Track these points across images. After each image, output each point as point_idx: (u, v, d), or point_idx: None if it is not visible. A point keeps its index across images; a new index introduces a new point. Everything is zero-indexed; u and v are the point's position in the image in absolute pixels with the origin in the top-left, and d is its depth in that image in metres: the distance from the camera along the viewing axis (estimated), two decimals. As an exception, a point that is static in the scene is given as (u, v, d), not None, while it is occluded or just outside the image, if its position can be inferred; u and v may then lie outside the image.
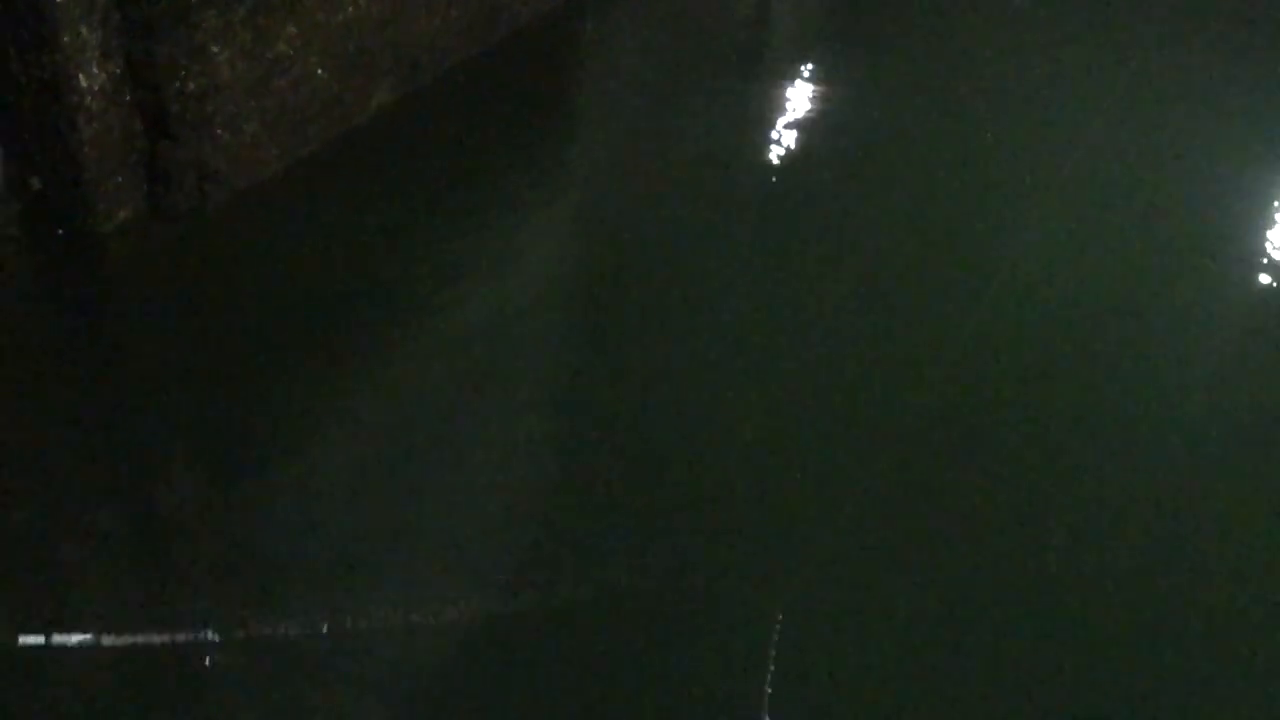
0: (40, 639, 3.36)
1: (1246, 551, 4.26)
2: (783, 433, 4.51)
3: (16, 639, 3.34)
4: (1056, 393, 5.02)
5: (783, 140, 7.14)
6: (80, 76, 4.43)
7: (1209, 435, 4.83)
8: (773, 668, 3.59)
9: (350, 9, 5.76)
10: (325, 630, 3.50)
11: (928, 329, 5.44)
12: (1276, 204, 7.15)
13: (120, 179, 4.78)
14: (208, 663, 3.42)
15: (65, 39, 4.31)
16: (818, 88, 8.25)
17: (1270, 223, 6.86)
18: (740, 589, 3.87)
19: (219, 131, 5.10)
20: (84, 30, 4.37)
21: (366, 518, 3.89)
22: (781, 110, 7.65)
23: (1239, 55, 11.90)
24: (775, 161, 6.80)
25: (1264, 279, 6.09)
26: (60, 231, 4.86)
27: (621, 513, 4.04)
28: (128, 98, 4.68)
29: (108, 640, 3.40)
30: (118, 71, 4.59)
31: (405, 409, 4.36)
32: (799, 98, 7.96)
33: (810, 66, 8.83)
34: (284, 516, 3.90)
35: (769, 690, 3.52)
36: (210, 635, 3.43)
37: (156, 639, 3.41)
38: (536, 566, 3.84)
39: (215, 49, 4.90)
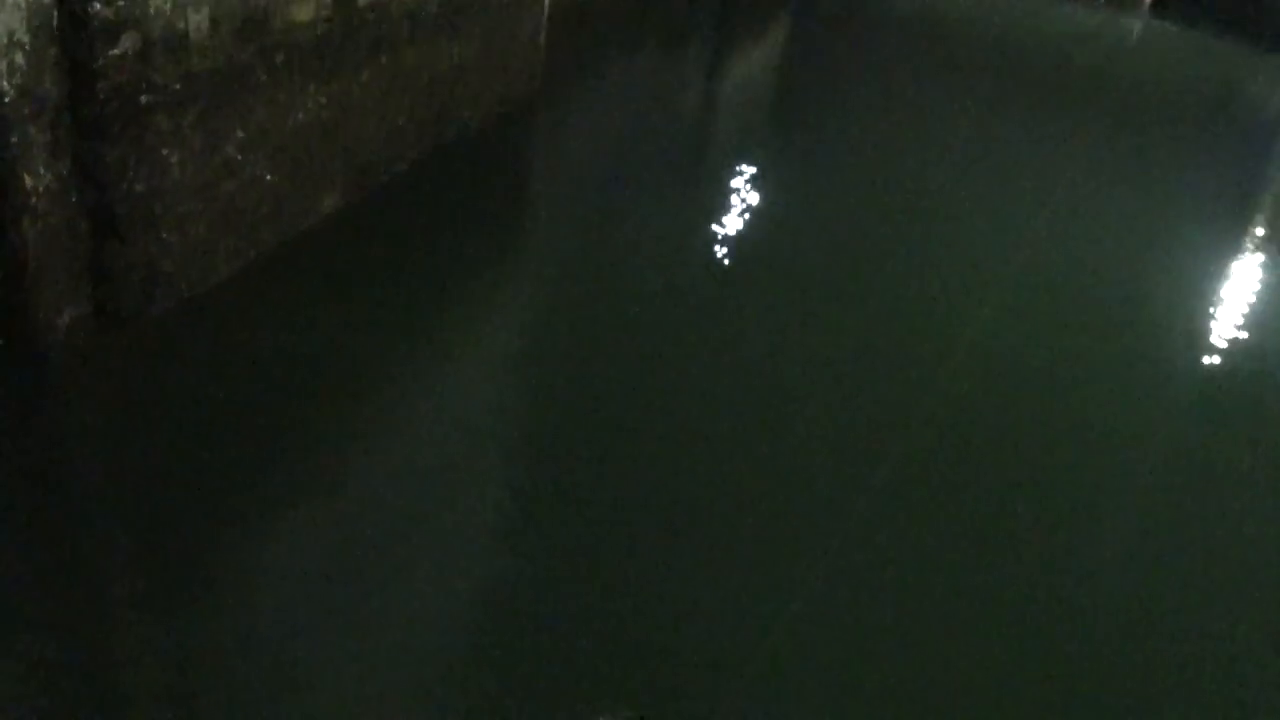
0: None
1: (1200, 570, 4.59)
2: (736, 527, 4.45)
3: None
4: (1010, 459, 5.24)
5: (730, 233, 7.27)
6: (26, 176, 4.36)
7: (1142, 477, 5.31)
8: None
9: (300, 114, 5.80)
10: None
11: (881, 407, 5.52)
12: (1209, 279, 7.98)
13: (65, 280, 4.67)
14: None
15: (13, 138, 4.25)
16: (762, 180, 8.46)
17: (1202, 297, 7.64)
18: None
19: (167, 234, 5.03)
20: (32, 130, 4.32)
21: (311, 638, 3.67)
22: (727, 203, 7.81)
23: (1177, 148, 12.62)
24: (724, 255, 6.90)
25: (1195, 343, 6.76)
26: (0, 334, 4.70)
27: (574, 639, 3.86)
28: (74, 198, 4.61)
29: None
30: (65, 172, 4.52)
31: (353, 518, 4.19)
32: (744, 191, 8.15)
33: (754, 159, 9.09)
34: (227, 633, 3.67)
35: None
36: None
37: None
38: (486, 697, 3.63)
39: (165, 151, 4.87)
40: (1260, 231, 10.37)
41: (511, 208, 7.48)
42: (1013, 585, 4.38)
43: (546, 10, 9.07)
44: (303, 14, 5.58)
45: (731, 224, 7.41)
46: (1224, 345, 6.96)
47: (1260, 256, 9.30)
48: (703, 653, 3.80)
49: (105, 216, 4.74)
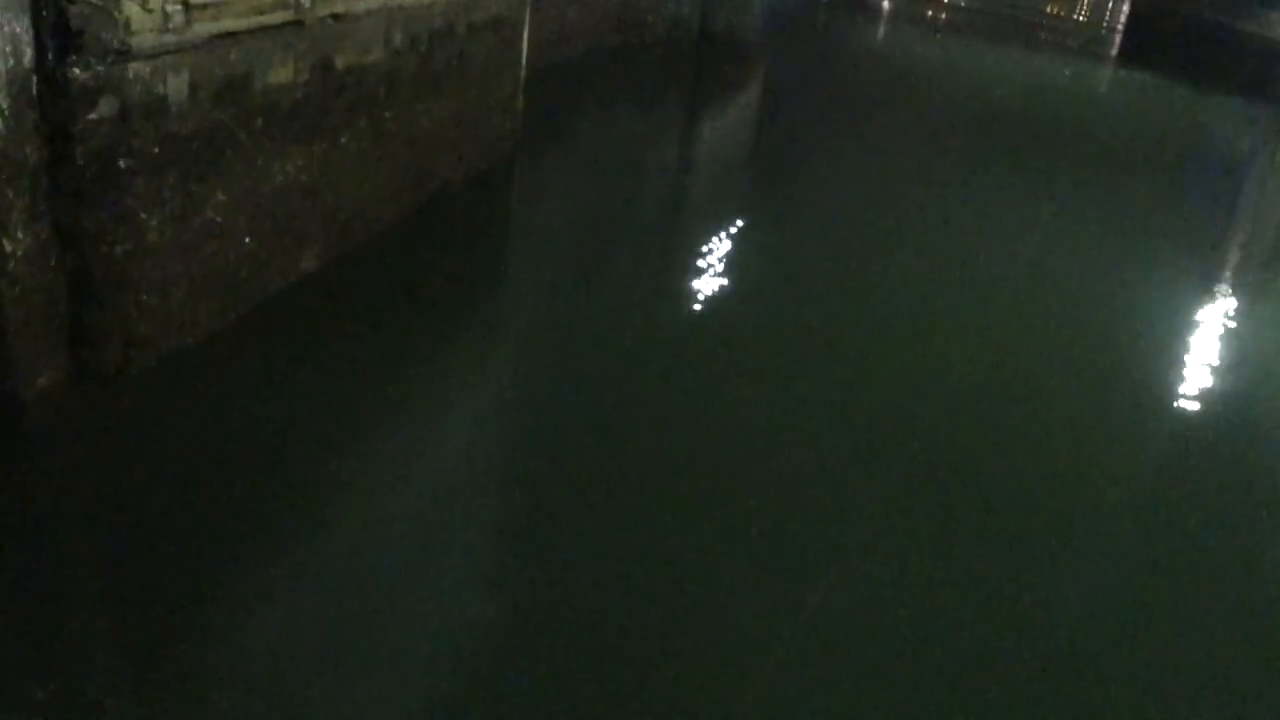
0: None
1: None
2: (716, 581, 4.43)
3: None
4: (987, 506, 5.23)
5: (708, 289, 7.32)
6: (4, 240, 4.36)
7: (1116, 511, 5.39)
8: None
9: (279, 177, 5.84)
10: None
11: (860, 453, 5.54)
12: (1181, 320, 8.17)
13: (43, 342, 4.66)
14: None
15: (-9, 203, 4.26)
16: (739, 235, 8.54)
17: (1176, 337, 7.88)
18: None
19: (146, 296, 5.03)
20: (11, 194, 4.32)
21: (297, 695, 3.62)
22: (704, 259, 7.87)
23: (1147, 191, 12.86)
24: (701, 310, 6.94)
25: (1167, 385, 6.85)
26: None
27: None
28: (53, 262, 4.61)
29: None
30: (44, 235, 4.53)
31: (334, 574, 4.15)
32: (721, 246, 8.22)
33: (730, 214, 9.18)
34: (212, 689, 3.62)
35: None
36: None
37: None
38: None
39: (144, 214, 4.89)
40: (1228, 271, 10.54)
41: (490, 265, 7.52)
42: (990, 636, 4.37)
43: (523, 70, 9.20)
44: (282, 77, 5.64)
45: (709, 280, 7.47)
46: (1194, 384, 7.05)
47: (1228, 294, 9.43)
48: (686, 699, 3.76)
49: (84, 280, 4.74)
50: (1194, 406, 6.81)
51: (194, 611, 3.85)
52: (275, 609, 3.93)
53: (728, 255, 8.03)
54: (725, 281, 7.50)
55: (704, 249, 8.12)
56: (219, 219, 5.41)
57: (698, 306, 6.99)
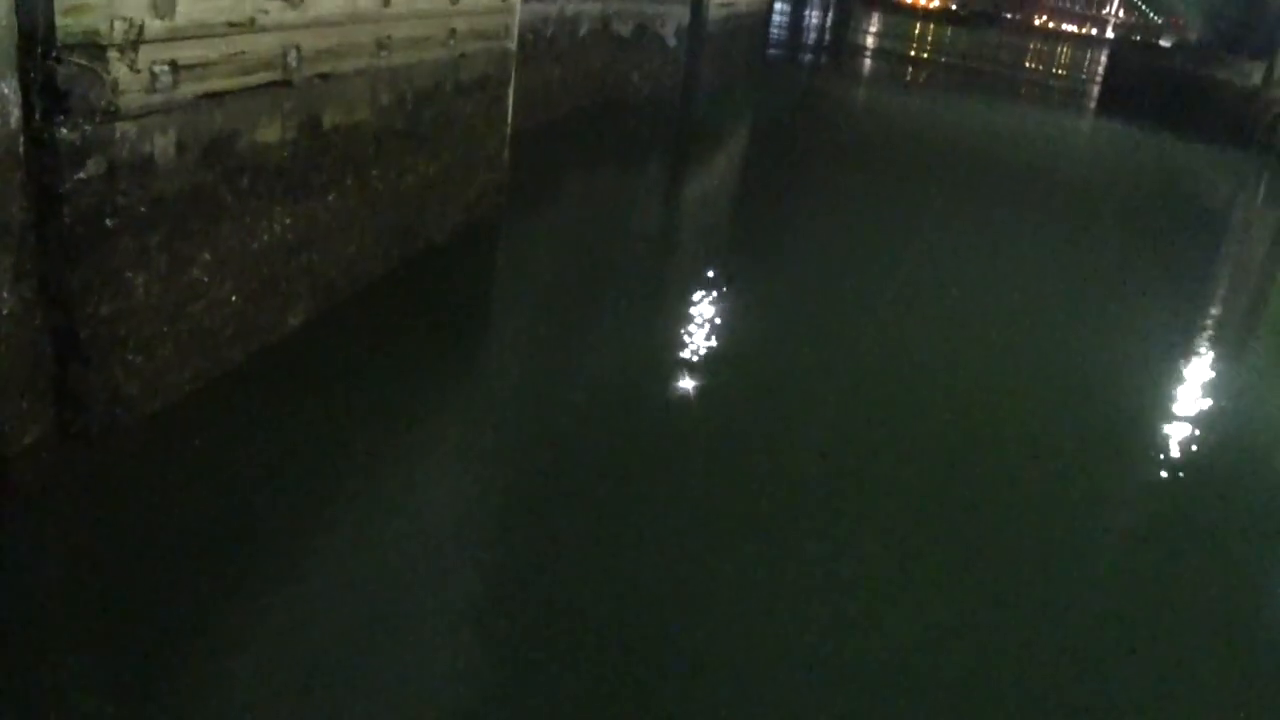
0: None
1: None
2: (704, 635, 4.38)
3: None
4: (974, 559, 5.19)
5: (692, 343, 7.33)
6: (-10, 300, 4.35)
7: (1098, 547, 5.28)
8: None
9: (265, 235, 5.86)
10: None
11: (849, 505, 5.53)
12: (1164, 368, 8.26)
13: (28, 401, 4.62)
14: None
15: (-23, 263, 4.25)
16: (724, 290, 8.58)
17: (1161, 383, 7.99)
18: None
19: (131, 355, 5.01)
20: (-3, 254, 4.32)
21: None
22: (687, 317, 7.90)
23: (1128, 238, 13.02)
24: (685, 369, 6.93)
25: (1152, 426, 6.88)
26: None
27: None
28: (38, 321, 4.59)
29: None
30: (29, 294, 4.52)
31: (321, 631, 4.09)
32: (705, 301, 8.25)
33: (715, 269, 9.23)
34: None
35: None
36: None
37: None
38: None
39: (130, 273, 4.89)
40: (1211, 315, 10.62)
41: (475, 324, 7.54)
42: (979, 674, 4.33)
43: (509, 129, 9.30)
44: (269, 136, 5.68)
45: (693, 337, 7.49)
46: (1179, 427, 7.08)
47: (1212, 337, 9.49)
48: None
49: (69, 339, 4.72)
50: (1178, 449, 6.84)
51: (177, 672, 3.79)
52: (260, 669, 3.87)
53: (712, 312, 8.06)
54: (709, 338, 7.52)
55: (688, 306, 8.16)
56: (205, 278, 5.41)
57: (682, 364, 7.00)
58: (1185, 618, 5.01)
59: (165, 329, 5.18)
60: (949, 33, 56.77)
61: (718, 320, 7.89)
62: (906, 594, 4.83)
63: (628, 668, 4.11)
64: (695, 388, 6.68)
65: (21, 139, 4.27)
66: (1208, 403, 7.80)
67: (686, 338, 7.44)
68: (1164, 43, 33.00)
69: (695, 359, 7.07)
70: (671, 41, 18.02)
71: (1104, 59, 39.91)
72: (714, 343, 7.43)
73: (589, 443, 5.84)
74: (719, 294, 8.52)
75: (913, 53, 42.55)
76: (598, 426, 6.01)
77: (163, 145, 4.88)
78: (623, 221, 10.88)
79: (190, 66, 4.97)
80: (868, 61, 35.96)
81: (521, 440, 5.84)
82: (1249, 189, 20.49)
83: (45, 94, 4.30)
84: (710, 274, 9.09)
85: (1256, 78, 25.09)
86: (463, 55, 8.04)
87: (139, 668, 3.79)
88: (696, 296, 8.37)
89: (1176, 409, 7.61)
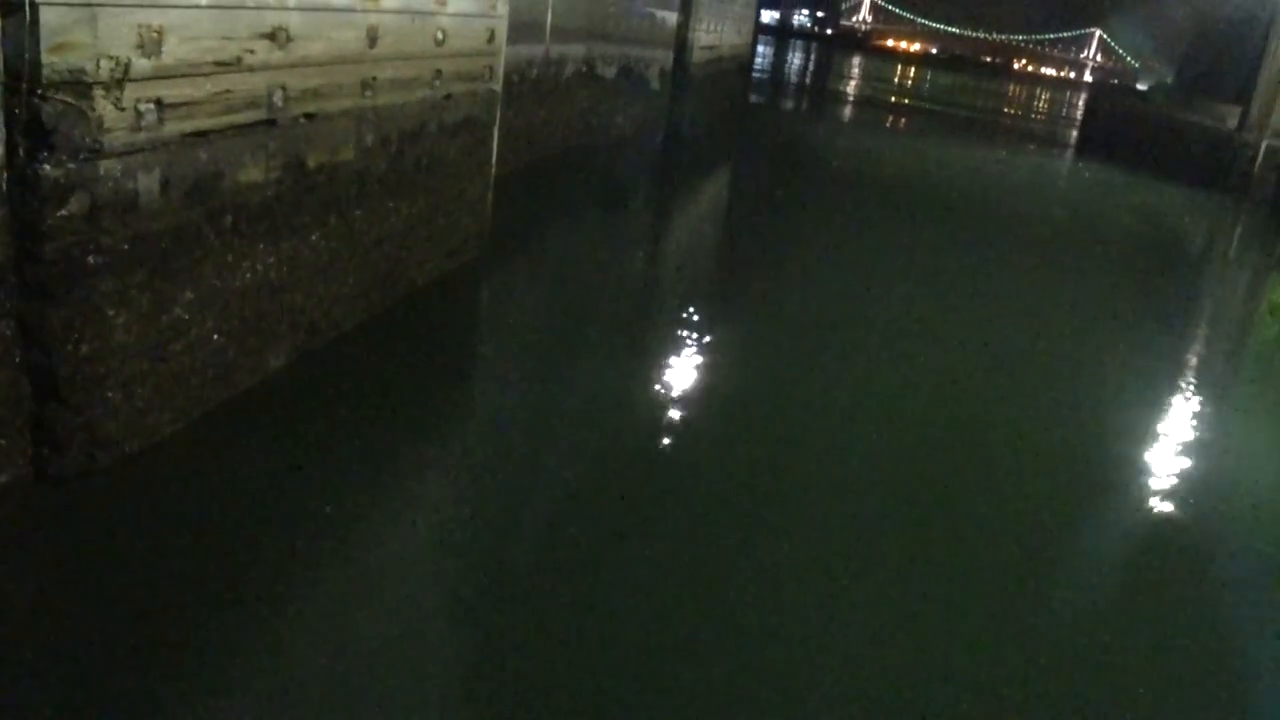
0: None
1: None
2: (691, 677, 4.35)
3: None
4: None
5: (677, 384, 7.32)
6: (-32, 339, 4.31)
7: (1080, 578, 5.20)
8: None
9: (248, 275, 5.83)
10: None
11: (836, 540, 5.50)
12: (1147, 406, 8.29)
13: (4, 441, 4.57)
14: None
15: (-44, 301, 4.22)
16: (708, 331, 8.58)
17: (1144, 421, 8.00)
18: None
19: (111, 395, 4.96)
20: (-24, 293, 4.29)
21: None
22: (671, 358, 7.89)
23: (1110, 278, 13.14)
24: (669, 410, 6.92)
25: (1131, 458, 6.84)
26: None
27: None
28: (17, 359, 4.55)
29: None
30: (9, 332, 4.48)
31: (301, 676, 4.02)
32: (689, 342, 8.25)
33: (699, 310, 9.23)
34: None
35: None
36: None
37: None
38: None
39: (111, 312, 4.85)
40: (1191, 356, 10.68)
41: (459, 366, 7.50)
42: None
43: (493, 170, 9.32)
44: (253, 175, 5.67)
45: (676, 377, 7.48)
46: (1158, 464, 7.10)
47: (1191, 377, 9.54)
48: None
49: (48, 378, 4.68)
50: (1160, 484, 6.87)
51: (158, 706, 3.71)
52: (243, 705, 3.79)
53: (695, 351, 8.06)
54: (692, 378, 7.51)
55: (671, 347, 8.15)
56: (187, 317, 5.38)
57: (666, 405, 6.98)
58: (1167, 656, 4.99)
59: (146, 369, 5.14)
60: (929, 76, 57.45)
61: (701, 360, 7.89)
62: (897, 629, 4.80)
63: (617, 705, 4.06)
64: (678, 426, 6.66)
65: (5, 175, 4.25)
66: (1189, 437, 7.83)
67: (669, 378, 7.44)
68: (1141, 86, 33.49)
69: (678, 398, 7.06)
70: (655, 84, 18.18)
71: (1082, 102, 40.43)
72: (697, 382, 7.42)
73: (574, 485, 5.80)
74: (702, 334, 8.53)
75: (893, 98, 43.04)
76: (582, 469, 5.97)
77: (147, 183, 4.86)
78: (606, 265, 10.90)
79: (176, 105, 4.97)
80: (849, 105, 36.34)
81: (506, 482, 5.80)
82: (1226, 231, 20.72)
83: (30, 131, 4.29)
84: (693, 315, 9.10)
85: (1232, 121, 25.46)
86: (448, 96, 8.07)
87: (113, 707, 3.71)
88: (679, 337, 8.37)
89: (1158, 444, 7.63)
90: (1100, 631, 5.08)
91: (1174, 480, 6.97)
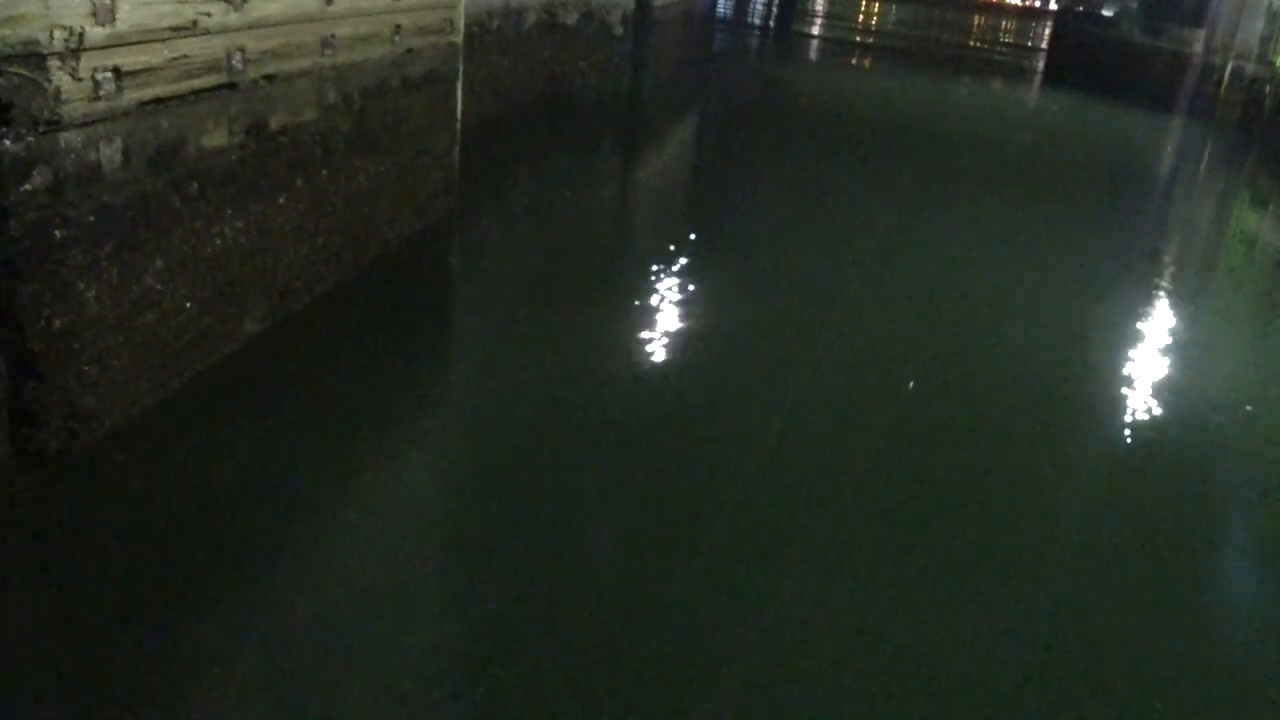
0: None
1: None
2: (675, 651, 4.37)
3: None
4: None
5: (655, 337, 7.33)
6: (-62, 320, 4.27)
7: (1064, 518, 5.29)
8: None
9: (218, 241, 5.79)
10: None
11: (818, 492, 5.56)
12: (1125, 335, 8.26)
13: (-18, 422, 4.55)
14: None
15: (-77, 282, 4.17)
16: (682, 277, 8.58)
17: (1123, 350, 7.99)
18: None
19: (87, 369, 4.94)
20: (-57, 273, 4.24)
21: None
22: (648, 306, 7.90)
23: (1083, 202, 13.21)
24: (649, 355, 6.94)
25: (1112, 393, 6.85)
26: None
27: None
28: (-11, 338, 4.51)
29: None
30: (-21, 312, 4.44)
31: (289, 645, 4.03)
32: (664, 290, 8.25)
33: (672, 257, 9.23)
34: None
35: None
36: None
37: None
38: None
39: (82, 285, 4.81)
40: (1164, 280, 10.77)
41: (434, 322, 7.49)
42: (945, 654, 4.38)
43: (459, 124, 9.23)
44: (216, 140, 5.61)
45: (655, 326, 7.49)
46: (1137, 392, 7.19)
47: (1165, 300, 9.64)
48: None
49: (22, 356, 4.64)
50: (1141, 412, 6.96)
51: (143, 697, 3.73)
52: (228, 691, 3.81)
53: (672, 299, 8.07)
54: (672, 326, 7.53)
55: (647, 295, 8.16)
56: (158, 286, 5.34)
57: (646, 354, 7.01)
58: (1148, 593, 5.06)
59: (120, 341, 5.11)
60: (894, 11, 57.04)
61: (678, 305, 7.91)
62: (875, 578, 4.87)
63: (601, 665, 4.11)
64: (658, 376, 6.69)
65: (-36, 155, 4.19)
66: (1167, 363, 7.93)
67: (647, 327, 7.45)
68: (1106, 13, 33.36)
69: (656, 346, 7.09)
70: (618, 30, 17.97)
71: (1048, 31, 40.28)
72: (675, 331, 7.44)
73: (555, 435, 5.82)
74: (676, 278, 8.53)
75: (859, 31, 42.76)
76: (564, 423, 6.00)
77: (109, 154, 4.81)
78: (577, 214, 10.85)
79: (134, 73, 4.90)
80: (815, 42, 36.05)
81: (488, 438, 5.82)
82: (1194, 154, 20.79)
83: (-15, 107, 4.22)
84: (668, 260, 9.10)
85: (1197, 45, 25.43)
86: (409, 51, 7.97)
87: (102, 692, 3.73)
88: (654, 284, 8.38)
89: (1137, 372, 7.71)
90: (1099, 542, 5.18)
91: (1156, 406, 7.07)
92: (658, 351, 7.03)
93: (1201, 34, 25.22)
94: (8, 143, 4.28)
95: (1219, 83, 23.49)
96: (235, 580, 4.35)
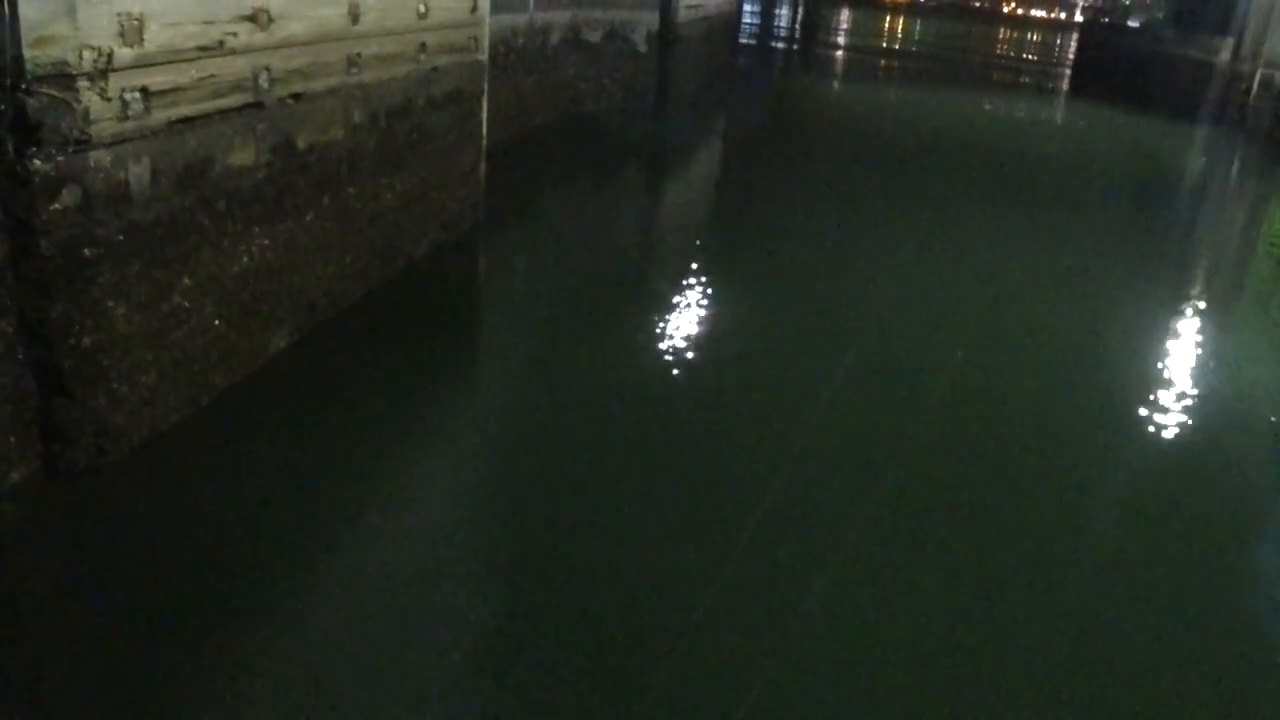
0: None
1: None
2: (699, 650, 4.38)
3: None
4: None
5: (678, 352, 7.31)
6: (-30, 338, 4.32)
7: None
8: None
9: (245, 259, 5.83)
10: None
11: (839, 503, 5.51)
12: (1157, 342, 8.18)
13: (13, 438, 4.59)
14: None
15: (-45, 301, 4.22)
16: (707, 291, 8.57)
17: (1155, 357, 7.88)
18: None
19: (116, 386, 4.98)
20: (-25, 291, 4.29)
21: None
22: (672, 321, 7.88)
23: (1110, 213, 13.05)
24: (672, 375, 6.91)
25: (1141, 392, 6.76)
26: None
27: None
28: (20, 355, 4.56)
29: None
30: (10, 330, 4.49)
31: (317, 659, 4.04)
32: (689, 304, 8.24)
33: (697, 271, 9.22)
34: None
35: None
36: None
37: None
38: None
39: (111, 303, 4.86)
40: (1195, 286, 10.66)
41: (459, 337, 7.51)
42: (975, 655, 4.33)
43: (484, 142, 9.29)
44: (243, 159, 5.66)
45: (678, 341, 7.47)
46: (1171, 398, 7.10)
47: (1197, 308, 9.53)
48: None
49: (53, 373, 4.69)
50: (1172, 420, 6.88)
51: (173, 697, 3.75)
52: (258, 692, 3.83)
53: (695, 314, 8.06)
54: (695, 340, 7.51)
55: (672, 309, 8.15)
56: (187, 304, 5.39)
57: (669, 370, 6.98)
58: (1182, 595, 5.01)
59: (149, 358, 5.15)
60: (919, 25, 56.98)
61: (703, 321, 7.89)
62: (903, 575, 4.83)
63: (619, 663, 4.09)
64: (682, 389, 6.67)
65: (-5, 173, 4.24)
66: (1198, 372, 7.84)
67: (670, 341, 7.43)
68: (1132, 23, 33.18)
69: (680, 361, 7.06)
70: (642, 47, 18.04)
71: (1074, 42, 40.10)
72: (700, 344, 7.42)
73: (584, 454, 5.80)
74: (700, 292, 8.52)
75: (884, 45, 42.72)
76: (590, 436, 5.97)
77: (137, 173, 4.85)
78: (601, 231, 10.87)
79: (161, 92, 4.95)
80: (839, 57, 36.07)
81: (512, 449, 5.82)
82: (1224, 163, 20.60)
83: (17, 126, 4.28)
84: (691, 274, 9.09)
85: (1225, 53, 25.24)
86: (434, 69, 8.03)
87: (131, 702, 3.74)
88: (678, 301, 8.36)
89: (1168, 380, 7.62)
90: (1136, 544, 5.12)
91: (1187, 414, 6.99)
92: (681, 364, 7.01)
93: (1229, 42, 25.02)
94: (38, 162, 4.33)
95: (1247, 91, 23.28)
96: (263, 592, 4.35)
